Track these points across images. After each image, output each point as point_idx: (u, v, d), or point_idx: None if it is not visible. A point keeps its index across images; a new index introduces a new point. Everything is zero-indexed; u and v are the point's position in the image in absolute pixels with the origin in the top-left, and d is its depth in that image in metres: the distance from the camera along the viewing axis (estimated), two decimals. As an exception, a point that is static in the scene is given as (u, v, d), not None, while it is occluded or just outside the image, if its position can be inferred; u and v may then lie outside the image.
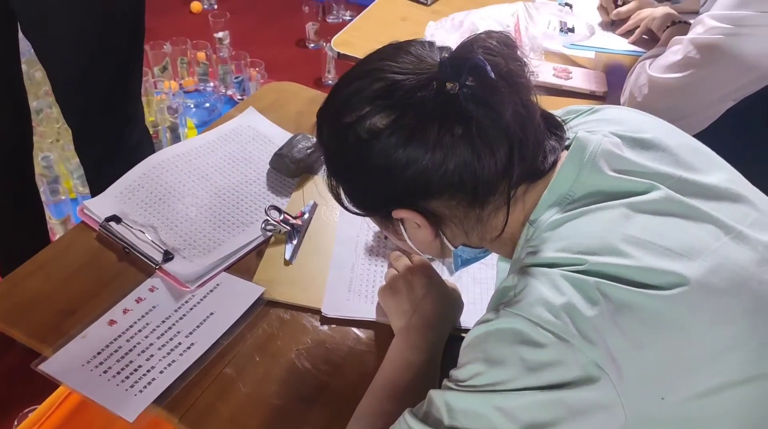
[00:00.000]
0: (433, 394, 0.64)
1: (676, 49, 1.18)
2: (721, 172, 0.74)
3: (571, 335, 0.59)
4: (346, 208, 0.74)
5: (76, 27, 1.21)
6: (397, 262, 0.92)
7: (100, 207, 1.01)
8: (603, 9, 1.55)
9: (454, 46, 0.68)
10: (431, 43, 0.69)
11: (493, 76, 0.63)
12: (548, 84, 1.34)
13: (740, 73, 1.12)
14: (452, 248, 0.74)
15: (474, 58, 0.64)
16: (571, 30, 1.49)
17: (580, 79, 1.36)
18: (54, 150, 1.88)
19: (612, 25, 1.53)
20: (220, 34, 2.46)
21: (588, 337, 0.59)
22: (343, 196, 0.73)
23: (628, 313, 0.60)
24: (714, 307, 0.62)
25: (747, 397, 0.63)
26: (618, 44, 1.48)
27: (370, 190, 0.71)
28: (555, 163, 0.69)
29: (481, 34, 0.68)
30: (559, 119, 0.73)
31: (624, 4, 1.51)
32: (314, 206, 1.04)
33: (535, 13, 1.51)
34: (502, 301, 0.64)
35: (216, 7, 2.72)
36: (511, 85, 0.65)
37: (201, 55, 2.36)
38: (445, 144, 0.63)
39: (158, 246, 0.95)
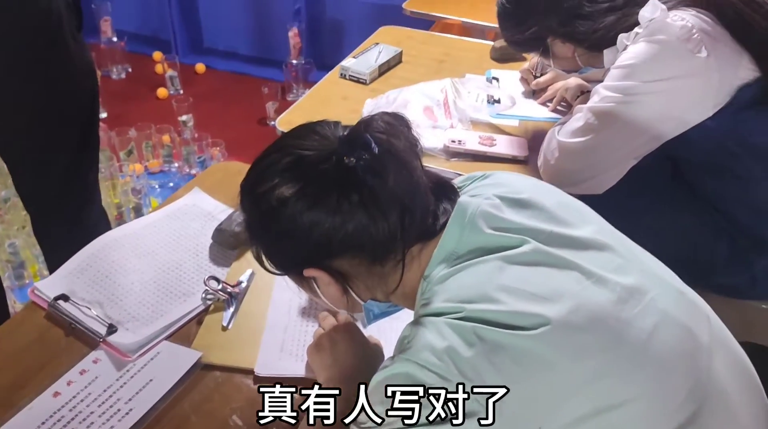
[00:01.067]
0: None
1: (579, 116, 1.30)
2: (590, 225, 0.83)
3: (452, 374, 0.67)
4: (266, 269, 0.83)
5: (31, 118, 1.31)
6: (324, 322, 1.00)
7: (50, 287, 1.08)
8: (524, 80, 1.69)
9: None
10: (336, 123, 0.80)
11: (377, 151, 0.74)
12: (474, 151, 1.45)
13: (633, 135, 1.24)
14: (361, 303, 0.83)
15: (364, 136, 0.74)
16: (498, 101, 1.62)
17: (503, 146, 1.47)
18: (20, 236, 1.96)
19: (533, 94, 1.66)
20: (184, 117, 2.59)
21: (466, 376, 0.67)
22: (263, 257, 0.82)
23: (501, 352, 0.68)
24: (574, 343, 0.70)
25: (621, 418, 0.71)
26: (540, 112, 1.61)
27: (283, 251, 0.80)
28: (446, 224, 0.79)
29: (375, 115, 0.79)
30: (455, 185, 0.84)
31: (542, 74, 1.65)
32: (252, 275, 1.13)
33: (462, 88, 1.64)
34: (399, 349, 0.73)
35: (182, 92, 2.86)
36: (397, 158, 0.75)
37: (165, 137, 2.48)
38: (343, 210, 0.73)
39: (102, 320, 1.02)
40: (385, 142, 0.75)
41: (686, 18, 1.18)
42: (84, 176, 1.48)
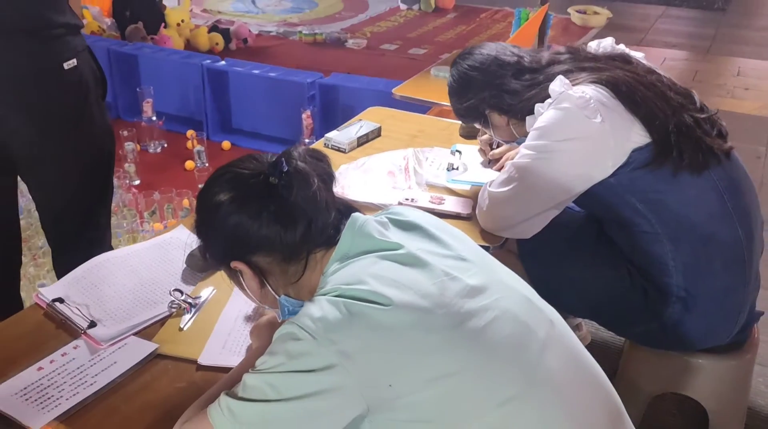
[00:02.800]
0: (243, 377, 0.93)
1: (504, 171, 1.53)
2: (460, 244, 1.06)
3: (319, 335, 0.89)
4: (208, 263, 1.07)
5: (59, 171, 1.60)
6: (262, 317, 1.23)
7: (50, 292, 1.34)
8: (482, 151, 1.94)
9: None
10: (273, 155, 1.06)
11: (286, 170, 0.99)
12: (423, 208, 1.68)
13: (548, 186, 1.45)
14: (276, 297, 1.06)
15: (280, 160, 1.00)
16: (456, 169, 1.87)
17: (450, 205, 1.70)
18: (48, 277, 2.25)
19: (489, 163, 1.91)
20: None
21: (330, 338, 0.89)
22: (206, 254, 1.07)
23: (361, 320, 0.90)
24: (420, 321, 0.91)
25: (454, 385, 0.90)
26: (490, 178, 1.84)
27: (216, 245, 1.05)
28: None
29: (297, 146, 1.05)
30: (354, 207, 1.08)
31: (498, 147, 1.90)
32: (212, 291, 1.37)
33: (423, 157, 1.90)
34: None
35: (207, 165, 3.21)
36: (304, 180, 1.00)
37: (185, 201, 2.79)
38: (262, 215, 0.98)
39: (86, 317, 1.27)
40: (296, 167, 1.00)
41: (586, 91, 1.43)
42: (97, 219, 1.76)
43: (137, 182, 3.11)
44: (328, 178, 1.05)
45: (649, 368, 1.62)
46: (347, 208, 1.07)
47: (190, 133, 3.48)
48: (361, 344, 0.89)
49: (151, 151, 3.44)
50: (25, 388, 1.12)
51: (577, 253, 1.61)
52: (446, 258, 1.01)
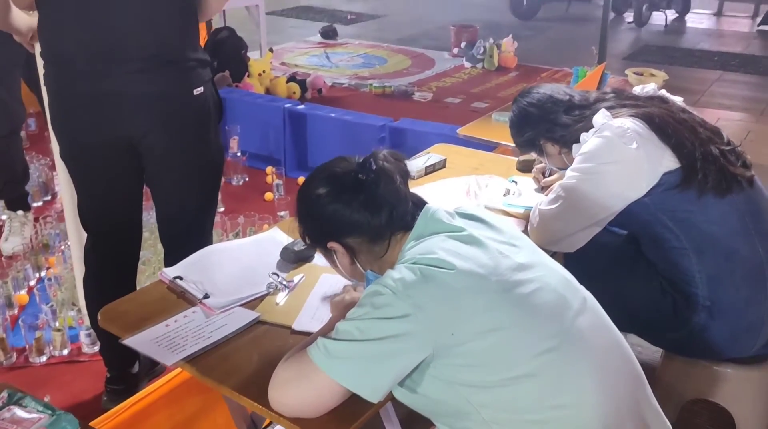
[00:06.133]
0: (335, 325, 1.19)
1: (553, 191, 1.78)
2: (512, 233, 1.31)
3: (398, 291, 1.14)
4: (306, 243, 1.35)
5: (182, 180, 1.91)
6: (344, 289, 1.48)
7: (171, 272, 1.64)
8: (536, 179, 2.19)
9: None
10: (360, 156, 1.33)
11: (374, 168, 1.27)
12: (481, 224, 1.93)
13: (590, 205, 1.69)
14: (363, 272, 1.32)
15: (369, 160, 1.28)
16: (512, 194, 2.12)
17: (505, 223, 1.95)
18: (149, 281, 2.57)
19: (542, 190, 2.15)
20: (282, 213, 3.24)
21: (407, 293, 1.14)
22: (305, 235, 1.34)
23: (431, 280, 1.15)
24: (476, 283, 1.16)
25: (503, 337, 1.14)
26: (543, 204, 2.08)
27: (315, 228, 1.33)
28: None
29: (381, 149, 1.33)
30: (425, 200, 1.34)
31: (550, 175, 2.15)
32: (302, 277, 1.64)
33: (482, 183, 2.16)
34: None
35: (283, 195, 3.54)
36: (388, 176, 1.27)
37: (266, 226, 3.11)
38: (354, 204, 1.26)
39: (201, 290, 1.56)
40: (382, 166, 1.28)
41: (624, 122, 1.67)
42: (204, 225, 2.07)
43: (222, 209, 3.46)
44: (406, 175, 1.33)
45: (681, 375, 1.79)
46: (420, 200, 1.34)
47: (269, 169, 3.84)
48: (431, 299, 1.14)
49: (234, 183, 3.81)
50: (157, 338, 1.41)
51: (616, 269, 1.83)
52: (500, 242, 1.26)
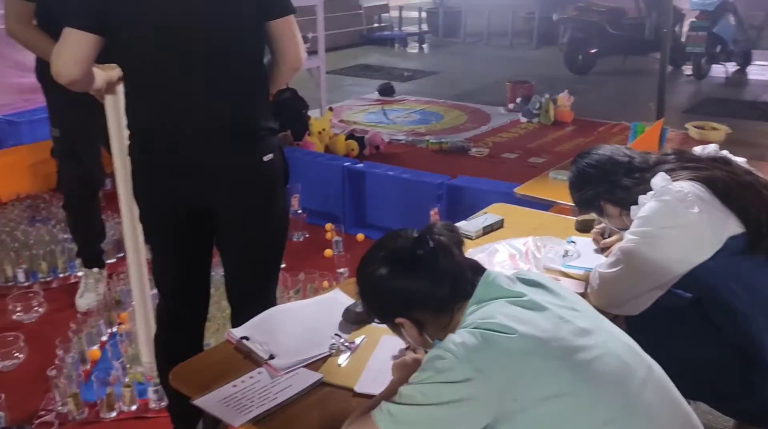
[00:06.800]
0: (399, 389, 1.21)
1: (612, 254, 1.77)
2: (573, 299, 1.32)
3: (460, 355, 1.17)
4: (372, 320, 1.39)
5: (251, 242, 1.97)
6: (405, 352, 1.51)
7: (238, 332, 1.70)
8: (595, 240, 2.18)
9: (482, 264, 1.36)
10: (414, 229, 1.38)
11: (432, 245, 1.31)
12: (541, 285, 1.93)
13: (651, 268, 1.67)
14: (431, 342, 1.34)
15: (425, 236, 1.32)
16: (571, 256, 2.12)
17: (566, 285, 1.94)
18: (213, 337, 2.65)
19: (602, 251, 2.14)
20: (341, 270, 3.30)
21: (469, 357, 1.16)
22: (370, 313, 1.38)
23: (492, 345, 1.17)
24: (537, 347, 1.17)
25: (564, 405, 1.14)
26: (602, 265, 2.07)
27: (380, 307, 1.36)
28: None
29: (436, 223, 1.37)
30: (483, 265, 1.37)
31: (609, 236, 2.14)
32: (363, 338, 1.67)
33: (540, 245, 2.16)
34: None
35: (342, 252, 3.61)
36: (445, 249, 1.31)
37: (325, 283, 3.17)
38: (415, 280, 1.30)
39: (266, 352, 1.61)
40: (438, 240, 1.32)
41: (684, 186, 1.67)
42: (269, 285, 2.12)
43: (283, 265, 3.53)
44: (461, 244, 1.36)
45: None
46: (479, 266, 1.36)
47: (329, 226, 3.92)
48: (492, 363, 1.16)
49: (294, 239, 3.90)
50: (225, 398, 1.46)
51: (681, 334, 1.79)
52: (561, 307, 1.27)
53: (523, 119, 6.39)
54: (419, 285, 1.30)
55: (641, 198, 1.74)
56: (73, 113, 2.80)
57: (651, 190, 1.76)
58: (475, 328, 1.20)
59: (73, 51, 1.71)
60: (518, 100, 6.61)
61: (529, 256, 2.10)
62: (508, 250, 2.13)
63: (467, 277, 1.32)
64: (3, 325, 2.85)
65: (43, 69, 2.77)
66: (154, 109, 1.82)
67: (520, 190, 2.83)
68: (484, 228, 2.33)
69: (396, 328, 1.37)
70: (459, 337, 1.19)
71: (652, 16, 8.25)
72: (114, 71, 2.04)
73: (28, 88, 4.44)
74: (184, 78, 1.78)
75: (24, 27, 2.62)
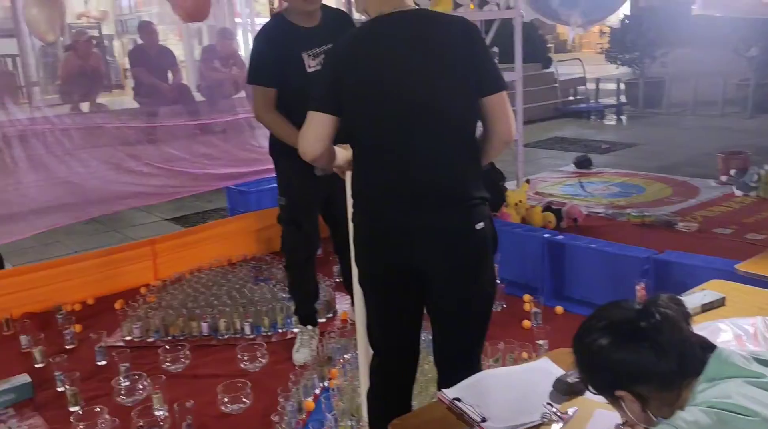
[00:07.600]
0: None
1: None
2: None
3: None
4: (585, 391, 1.39)
5: (462, 308, 2.03)
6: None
7: (450, 393, 1.77)
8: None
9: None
10: (633, 300, 1.38)
11: (658, 318, 1.29)
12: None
13: None
14: (655, 420, 1.31)
15: (650, 309, 1.31)
16: (808, 340, 1.93)
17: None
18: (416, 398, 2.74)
19: None
20: (540, 341, 3.26)
21: (703, 438, 1.12)
22: (589, 385, 1.39)
23: (729, 426, 1.12)
24: None
25: None
26: None
27: (600, 379, 1.36)
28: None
29: (661, 295, 1.36)
30: (712, 342, 1.32)
31: None
32: (575, 410, 1.66)
33: (771, 325, 1.99)
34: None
35: (541, 324, 3.56)
36: (672, 323, 1.29)
37: (524, 354, 3.15)
38: (640, 352, 1.29)
39: (478, 414, 1.65)
40: (663, 313, 1.30)
41: None
42: (477, 350, 2.18)
43: (481, 334, 3.57)
44: (689, 318, 1.32)
45: None
46: (708, 342, 1.32)
47: (527, 297, 3.91)
48: None
49: (493, 309, 3.92)
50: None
51: None
52: (805, 393, 1.18)
53: (738, 193, 5.93)
54: (643, 358, 1.28)
55: None
56: (298, 184, 3.14)
57: None
58: (709, 407, 1.15)
59: (317, 131, 1.96)
60: (732, 172, 6.15)
61: (759, 338, 1.95)
62: (734, 331, 1.99)
63: (696, 353, 1.28)
64: (232, 372, 3.18)
65: (274, 145, 3.16)
66: (377, 179, 2.00)
67: (742, 266, 2.64)
68: (703, 306, 2.21)
69: (615, 402, 1.35)
70: (691, 415, 1.15)
71: None
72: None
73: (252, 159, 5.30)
74: (405, 148, 1.94)
75: (268, 112, 3.02)
